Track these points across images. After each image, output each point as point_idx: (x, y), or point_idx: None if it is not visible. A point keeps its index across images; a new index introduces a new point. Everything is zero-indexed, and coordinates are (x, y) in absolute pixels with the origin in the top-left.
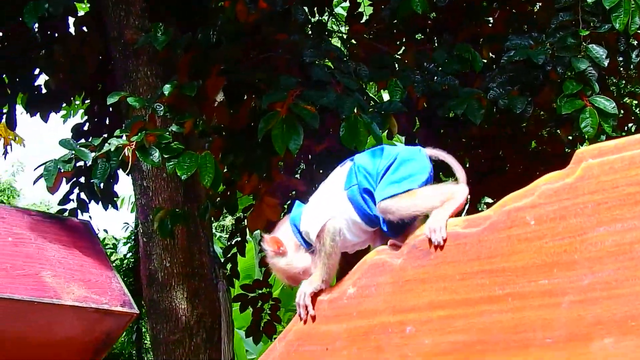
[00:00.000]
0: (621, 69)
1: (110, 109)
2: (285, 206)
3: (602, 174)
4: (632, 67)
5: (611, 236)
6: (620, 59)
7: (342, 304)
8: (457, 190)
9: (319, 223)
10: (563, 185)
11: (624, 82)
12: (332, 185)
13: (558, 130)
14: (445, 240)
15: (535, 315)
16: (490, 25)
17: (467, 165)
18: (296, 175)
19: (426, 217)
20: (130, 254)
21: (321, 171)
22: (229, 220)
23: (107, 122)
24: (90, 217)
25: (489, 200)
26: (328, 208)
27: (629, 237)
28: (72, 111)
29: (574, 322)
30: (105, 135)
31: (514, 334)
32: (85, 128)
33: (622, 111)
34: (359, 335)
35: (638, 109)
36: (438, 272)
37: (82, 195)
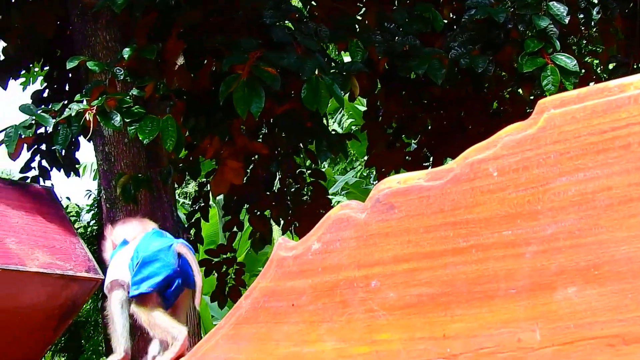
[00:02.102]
0: (582, 27)
1: (70, 75)
2: (248, 170)
3: (564, 124)
4: (592, 25)
5: (574, 186)
6: (581, 16)
7: (306, 259)
8: (179, 335)
9: (109, 278)
10: (525, 136)
11: (585, 41)
12: (129, 249)
13: (520, 90)
14: None
15: (498, 266)
16: None
17: (429, 127)
18: (258, 139)
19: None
20: (94, 221)
21: (283, 134)
22: (192, 187)
23: (67, 88)
24: (52, 184)
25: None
26: (121, 267)
27: (591, 186)
28: (31, 78)
29: (537, 272)
30: (66, 102)
31: (478, 285)
32: (45, 95)
33: (583, 70)
34: (324, 290)
35: (599, 68)
36: (402, 226)
37: (44, 163)
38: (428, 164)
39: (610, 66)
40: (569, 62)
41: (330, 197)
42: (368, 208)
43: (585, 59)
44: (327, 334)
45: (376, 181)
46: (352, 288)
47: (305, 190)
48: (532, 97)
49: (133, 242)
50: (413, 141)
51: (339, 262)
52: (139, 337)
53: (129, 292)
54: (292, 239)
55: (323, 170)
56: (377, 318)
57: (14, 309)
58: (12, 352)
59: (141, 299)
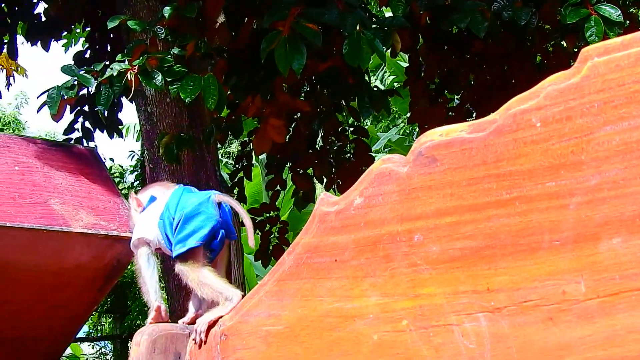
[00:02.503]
0: None
1: (111, 35)
2: (291, 128)
3: (608, 72)
4: None
5: (618, 135)
6: None
7: (349, 214)
8: (233, 297)
9: (135, 236)
10: (569, 85)
11: None
12: (157, 206)
13: (563, 42)
14: (202, 342)
15: (542, 218)
16: None
17: (472, 82)
18: (300, 96)
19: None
20: (138, 182)
21: (325, 91)
22: (234, 146)
23: (109, 49)
24: (95, 146)
25: None
26: (149, 226)
27: (635, 135)
28: (73, 39)
29: (581, 223)
30: (108, 62)
31: (522, 237)
32: (87, 56)
33: (627, 21)
34: (367, 245)
35: None
36: (445, 179)
37: (87, 124)
38: (471, 119)
39: None
40: (613, 12)
41: (372, 154)
42: (410, 161)
43: (630, 10)
44: (371, 289)
45: None
46: (395, 242)
47: (348, 147)
48: (575, 50)
49: (161, 199)
50: (456, 97)
51: (381, 217)
52: (185, 297)
53: (158, 250)
54: None
55: (365, 127)
56: (420, 272)
57: (59, 270)
58: (60, 313)
59: (187, 256)
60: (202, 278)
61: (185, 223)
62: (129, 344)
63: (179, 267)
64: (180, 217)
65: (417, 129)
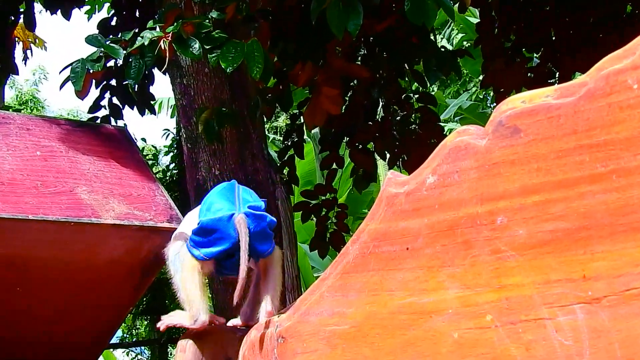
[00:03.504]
0: None
1: (140, 0)
2: (347, 98)
3: None
4: None
5: None
6: None
7: (421, 195)
8: (198, 319)
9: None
10: None
11: None
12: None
13: None
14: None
15: None
16: None
17: (554, 38)
18: (357, 61)
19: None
20: (174, 164)
21: (385, 54)
22: (282, 120)
23: (138, 15)
24: (125, 124)
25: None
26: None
27: None
28: (97, 5)
29: None
30: (137, 30)
31: (622, 216)
32: (113, 23)
33: None
34: (443, 230)
35: None
36: (529, 152)
37: (115, 100)
38: (553, 80)
39: None
40: None
41: (441, 124)
42: (489, 133)
43: None
44: (449, 280)
45: (494, 104)
46: (475, 226)
47: (413, 117)
48: None
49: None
50: (535, 55)
51: (458, 197)
52: (231, 294)
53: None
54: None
55: (432, 93)
56: (505, 260)
57: (89, 267)
58: (92, 315)
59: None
60: (185, 282)
61: (199, 231)
62: (168, 350)
63: (173, 259)
64: (198, 224)
65: (492, 94)
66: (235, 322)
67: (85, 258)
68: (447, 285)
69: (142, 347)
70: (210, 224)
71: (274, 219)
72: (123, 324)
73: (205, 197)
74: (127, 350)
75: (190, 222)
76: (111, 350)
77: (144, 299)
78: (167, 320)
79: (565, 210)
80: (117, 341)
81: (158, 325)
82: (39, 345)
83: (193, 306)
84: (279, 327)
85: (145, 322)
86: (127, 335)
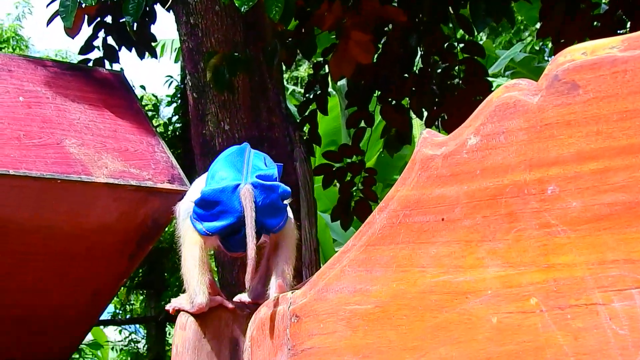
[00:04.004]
0: None
1: None
2: (380, 45)
3: None
4: None
5: None
6: None
7: (460, 159)
8: (195, 300)
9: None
10: None
11: None
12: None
13: None
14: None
15: None
16: None
17: None
18: (393, 2)
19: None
20: (177, 116)
21: None
22: (304, 70)
23: None
24: (122, 69)
25: None
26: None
27: None
28: None
29: None
30: None
31: None
32: None
33: None
34: (484, 199)
35: None
36: (589, 112)
37: (110, 41)
38: (624, 31)
39: None
40: None
41: (489, 79)
42: (543, 89)
43: None
44: (489, 257)
45: (552, 56)
46: (521, 196)
47: (456, 70)
48: None
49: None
50: (604, 1)
51: (504, 162)
52: (240, 268)
53: None
54: None
55: (480, 43)
56: (555, 235)
57: (78, 232)
58: (81, 287)
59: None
60: (188, 260)
61: (201, 203)
62: (166, 328)
63: (182, 224)
64: (199, 195)
65: (550, 45)
66: (243, 297)
67: (73, 222)
68: (487, 262)
69: (137, 325)
70: (213, 195)
71: (288, 189)
72: (115, 299)
73: (212, 163)
74: (120, 328)
75: (197, 188)
76: (101, 327)
77: (140, 270)
78: (174, 302)
79: (627, 180)
80: (109, 317)
81: (167, 307)
82: (18, 321)
83: (190, 286)
84: (292, 305)
85: (141, 297)
86: (120, 312)
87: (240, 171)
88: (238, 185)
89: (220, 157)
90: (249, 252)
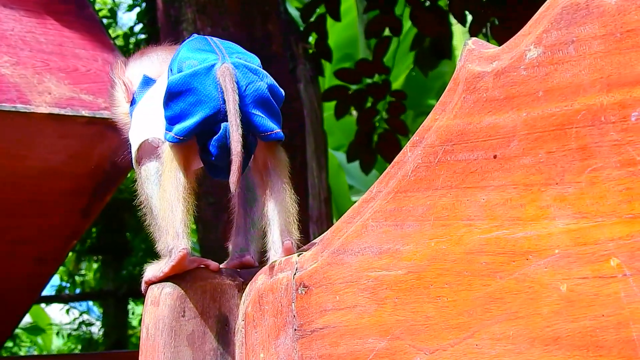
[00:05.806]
0: None
1: None
2: None
3: None
4: None
5: None
6: None
7: (517, 77)
8: (173, 249)
9: (135, 144)
10: None
11: None
12: (158, 91)
13: None
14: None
15: None
16: None
17: None
18: None
19: None
20: (141, 25)
21: None
22: None
23: None
24: None
25: None
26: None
27: None
28: None
29: None
30: None
31: None
32: None
33: None
34: (548, 129)
35: None
36: None
37: None
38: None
39: None
40: None
41: None
42: None
43: None
44: (556, 205)
45: None
46: (597, 125)
47: None
48: None
49: (162, 77)
50: None
51: (573, 81)
52: (226, 225)
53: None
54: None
55: None
56: None
57: (14, 179)
58: (19, 250)
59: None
60: (167, 192)
61: (171, 100)
62: (129, 306)
63: (139, 170)
64: (167, 89)
65: None
66: (231, 262)
67: (8, 166)
68: (554, 212)
69: (90, 302)
70: (181, 82)
71: (282, 91)
72: (62, 267)
73: (171, 60)
74: (68, 306)
75: (148, 121)
76: (43, 305)
77: (94, 230)
78: (150, 273)
79: None
80: (53, 293)
81: (142, 285)
82: None
83: (167, 231)
84: (299, 271)
85: (95, 265)
86: (68, 285)
87: (213, 52)
88: (214, 65)
89: (181, 47)
90: (233, 144)
